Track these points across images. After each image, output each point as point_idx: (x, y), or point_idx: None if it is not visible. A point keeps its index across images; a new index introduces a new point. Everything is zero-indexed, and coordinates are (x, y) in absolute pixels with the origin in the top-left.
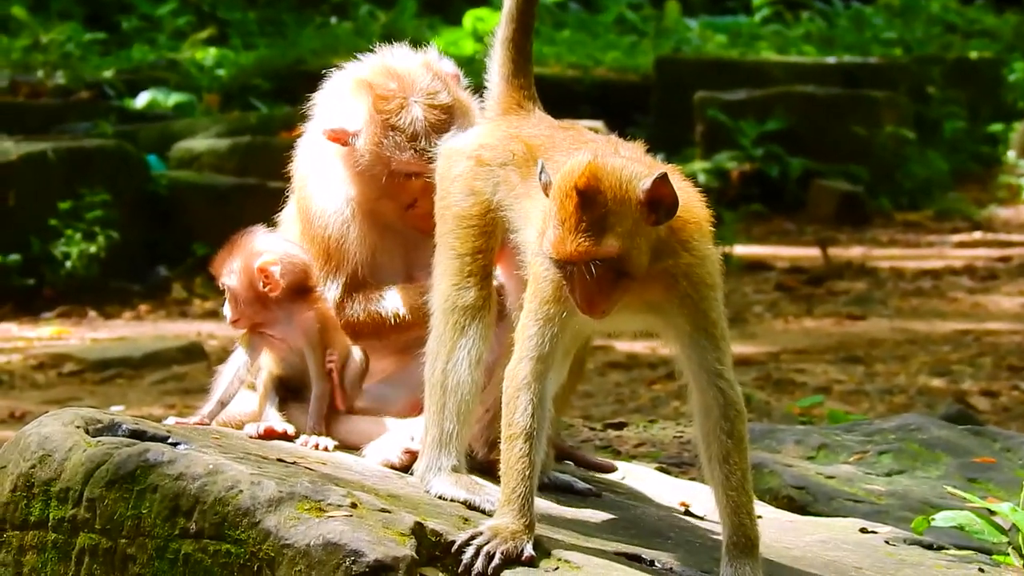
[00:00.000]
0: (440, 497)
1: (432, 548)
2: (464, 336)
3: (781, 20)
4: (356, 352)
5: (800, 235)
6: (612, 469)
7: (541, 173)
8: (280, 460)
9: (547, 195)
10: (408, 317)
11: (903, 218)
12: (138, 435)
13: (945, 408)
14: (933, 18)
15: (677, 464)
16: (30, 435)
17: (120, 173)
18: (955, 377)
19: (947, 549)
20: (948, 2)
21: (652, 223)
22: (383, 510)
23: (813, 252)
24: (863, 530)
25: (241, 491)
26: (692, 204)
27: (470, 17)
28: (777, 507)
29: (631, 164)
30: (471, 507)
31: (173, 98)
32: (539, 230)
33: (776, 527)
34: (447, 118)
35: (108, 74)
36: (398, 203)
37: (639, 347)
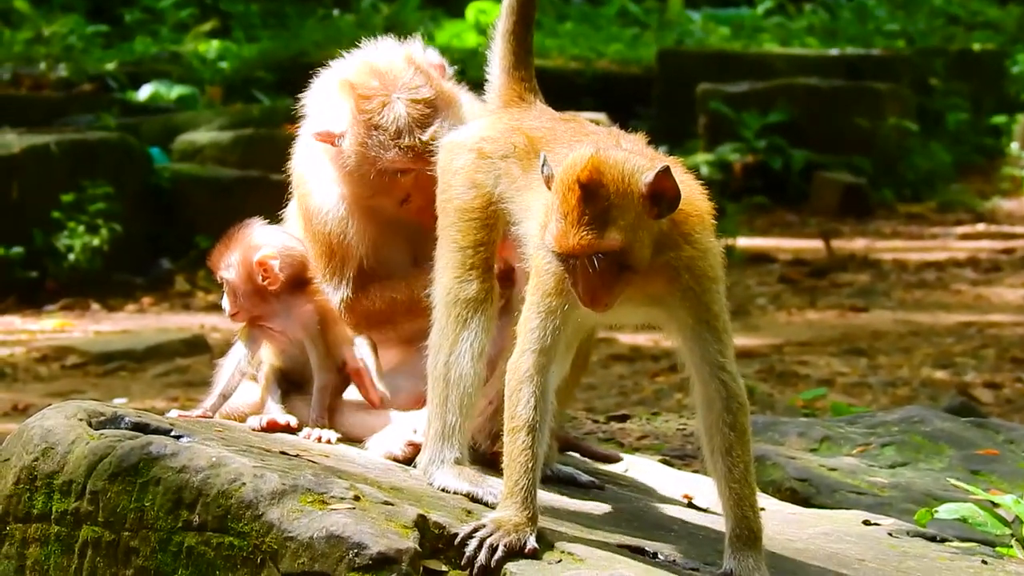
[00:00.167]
0: (443, 490)
1: (435, 541)
2: (466, 329)
3: (784, 12)
4: (363, 346)
5: (803, 227)
6: (617, 459)
7: (543, 166)
8: (283, 453)
9: (549, 188)
10: (420, 302)
11: (906, 210)
12: (141, 428)
13: (948, 400)
14: (936, 10)
15: (680, 456)
16: (33, 428)
17: (123, 166)
18: (958, 369)
19: (950, 541)
20: None
21: (654, 216)
22: (386, 503)
23: (816, 244)
24: (866, 522)
25: (244, 484)
26: (694, 197)
27: (473, 9)
28: (780, 499)
29: (633, 157)
30: (474, 500)
31: (176, 91)
32: (541, 223)
33: (779, 519)
34: (430, 112)
35: (111, 67)
36: (392, 199)
37: (642, 339)
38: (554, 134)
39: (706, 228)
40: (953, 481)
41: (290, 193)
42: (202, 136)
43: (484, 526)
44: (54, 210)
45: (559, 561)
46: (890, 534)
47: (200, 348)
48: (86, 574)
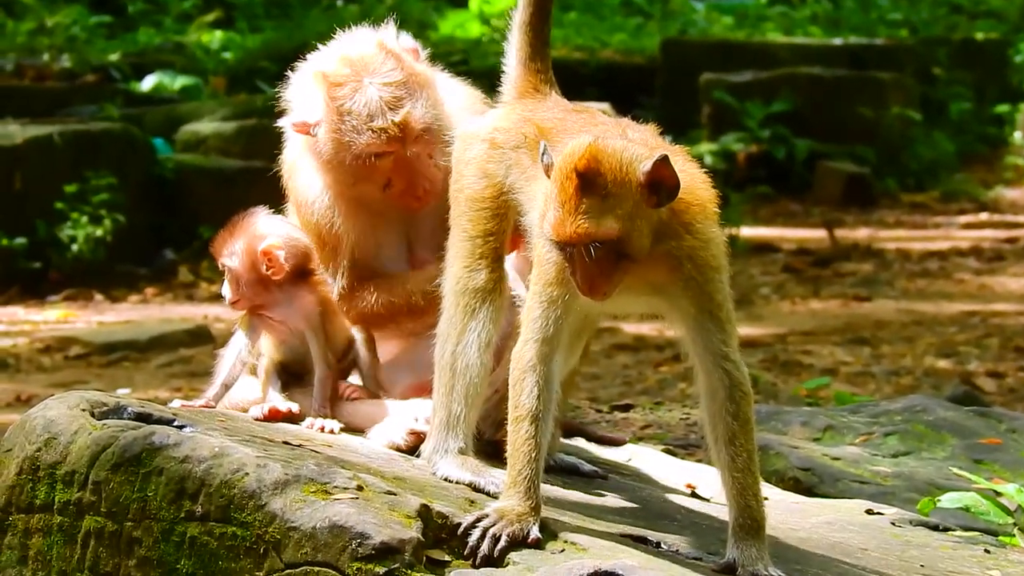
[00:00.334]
0: (446, 479)
1: (438, 530)
2: (474, 319)
3: (787, 2)
4: (361, 338)
5: (807, 217)
6: (622, 442)
7: (543, 155)
8: (286, 443)
9: (548, 177)
10: (422, 303)
11: (909, 199)
12: (144, 418)
13: (951, 389)
14: None
15: (684, 446)
16: (35, 418)
17: (126, 156)
18: (961, 358)
19: (953, 530)
20: None
21: (653, 205)
22: (389, 492)
23: (820, 234)
24: (869, 511)
25: (247, 474)
26: (695, 186)
27: None
28: (783, 489)
29: (632, 146)
30: (477, 489)
31: (179, 81)
32: (541, 212)
33: (782, 509)
34: (402, 94)
35: (114, 57)
36: (374, 185)
37: (646, 329)
38: (564, 125)
39: (708, 217)
40: (956, 470)
41: (284, 187)
42: (205, 127)
43: (487, 516)
44: (57, 201)
45: (562, 551)
46: (893, 523)
47: (203, 338)
48: (89, 564)
